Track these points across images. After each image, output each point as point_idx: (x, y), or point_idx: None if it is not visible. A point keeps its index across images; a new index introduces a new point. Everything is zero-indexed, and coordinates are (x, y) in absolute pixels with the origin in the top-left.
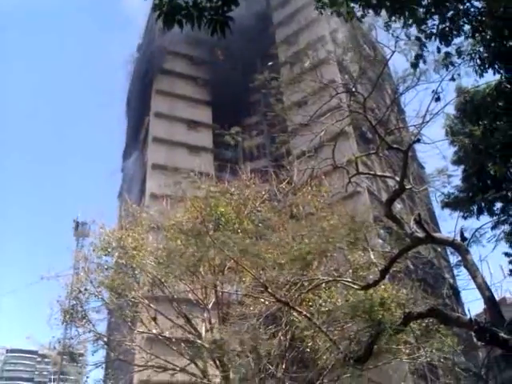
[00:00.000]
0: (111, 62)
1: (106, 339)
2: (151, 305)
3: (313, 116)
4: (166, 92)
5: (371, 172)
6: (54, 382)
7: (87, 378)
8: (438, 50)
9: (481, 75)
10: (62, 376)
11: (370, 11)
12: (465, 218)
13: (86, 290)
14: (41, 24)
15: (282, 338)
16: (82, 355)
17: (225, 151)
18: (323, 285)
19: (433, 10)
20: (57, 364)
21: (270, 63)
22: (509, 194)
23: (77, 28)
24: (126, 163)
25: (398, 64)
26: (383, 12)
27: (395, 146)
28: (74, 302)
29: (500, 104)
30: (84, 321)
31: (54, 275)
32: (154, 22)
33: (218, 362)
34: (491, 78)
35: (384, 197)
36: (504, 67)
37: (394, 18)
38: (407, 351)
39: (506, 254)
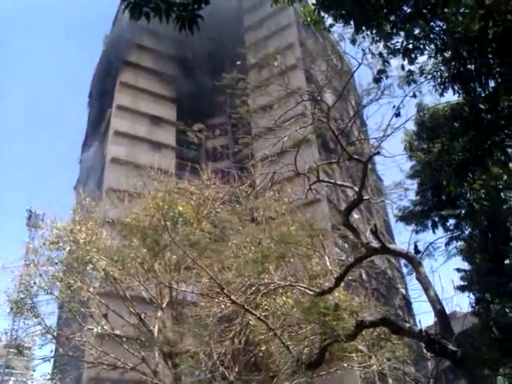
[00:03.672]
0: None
1: (55, 333)
2: (103, 301)
3: (277, 121)
4: (130, 85)
5: (331, 181)
6: None
7: (34, 371)
8: (402, 68)
9: (441, 94)
10: (7, 370)
11: (340, 22)
12: (417, 232)
13: (35, 283)
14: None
15: (235, 340)
16: (30, 349)
17: (187, 150)
18: (279, 290)
19: (399, 26)
20: (2, 357)
21: (238, 62)
22: (463, 211)
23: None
24: (85, 155)
25: (364, 76)
26: (352, 24)
27: (356, 156)
28: (23, 295)
29: (456, 125)
30: (32, 313)
31: (1, 266)
32: (122, 14)
33: (169, 363)
34: (452, 97)
35: (343, 206)
36: (462, 88)
37: (361, 31)
38: (359, 359)
39: (458, 270)
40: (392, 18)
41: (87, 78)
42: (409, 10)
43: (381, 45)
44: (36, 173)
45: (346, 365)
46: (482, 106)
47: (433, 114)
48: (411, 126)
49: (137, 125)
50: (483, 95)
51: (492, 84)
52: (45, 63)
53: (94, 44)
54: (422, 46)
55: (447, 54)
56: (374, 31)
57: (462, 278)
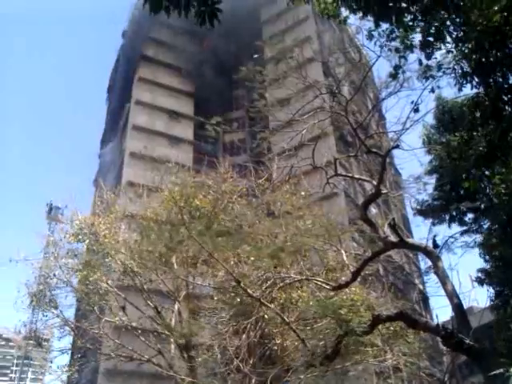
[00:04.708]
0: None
1: (73, 325)
2: (121, 294)
3: (295, 114)
4: (148, 80)
5: (349, 174)
6: (17, 366)
7: (51, 362)
8: (420, 63)
9: (460, 89)
10: (26, 361)
11: (358, 15)
12: (434, 224)
13: (54, 275)
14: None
15: (251, 333)
16: (48, 340)
17: (205, 144)
18: (295, 283)
19: (420, 18)
20: (21, 348)
21: (255, 55)
22: (481, 205)
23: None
24: (104, 150)
25: (382, 69)
26: (370, 17)
27: (374, 150)
28: (42, 287)
29: (476, 115)
30: (51, 305)
31: (22, 258)
32: (141, 8)
33: (185, 355)
34: (470, 91)
35: (360, 200)
36: (483, 81)
37: (379, 24)
38: (374, 353)
39: (480, 255)
40: (412, 9)
41: (105, 72)
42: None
43: (397, 41)
44: (56, 167)
45: (360, 358)
46: (504, 97)
47: (452, 106)
48: (430, 120)
49: (155, 119)
50: (505, 86)
51: None
52: (64, 58)
53: (112, 39)
54: (441, 38)
55: (467, 47)
56: (393, 24)
57: (480, 271)
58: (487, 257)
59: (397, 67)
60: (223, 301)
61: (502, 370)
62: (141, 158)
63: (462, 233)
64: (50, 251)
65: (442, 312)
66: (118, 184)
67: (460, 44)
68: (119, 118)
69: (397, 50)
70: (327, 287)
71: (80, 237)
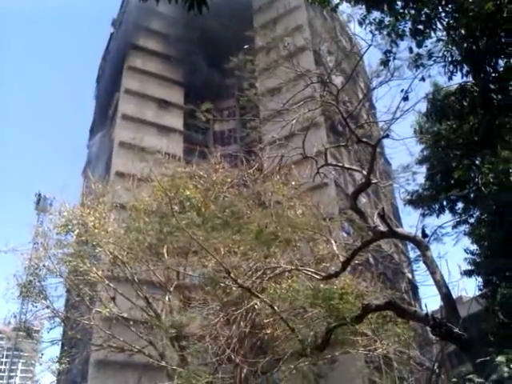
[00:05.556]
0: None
1: (63, 316)
2: (111, 284)
3: (285, 104)
4: (138, 69)
5: (339, 164)
6: (7, 358)
7: (42, 355)
8: (410, 51)
9: (450, 78)
10: (16, 352)
11: (349, 2)
12: (424, 215)
13: (44, 266)
14: None
15: (242, 323)
16: (38, 332)
17: (195, 134)
18: (285, 273)
19: (411, 6)
20: (11, 340)
21: (246, 46)
22: (471, 195)
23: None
24: (93, 140)
25: (373, 58)
26: (362, 5)
27: (365, 139)
28: (32, 277)
29: (464, 104)
30: (41, 296)
31: (11, 249)
32: None
33: (176, 346)
34: (461, 80)
35: (350, 190)
36: (473, 69)
37: (371, 11)
38: (364, 342)
39: (466, 251)
40: None
41: (95, 62)
42: None
43: (388, 29)
44: (44, 159)
45: (351, 349)
46: (492, 86)
47: (444, 95)
48: (423, 109)
49: (144, 109)
50: (493, 75)
51: (502, 64)
52: (61, 52)
53: (101, 28)
54: (433, 26)
55: (458, 34)
56: (385, 11)
57: (468, 262)
58: (475, 246)
59: (388, 52)
60: (214, 291)
61: (488, 358)
62: (130, 147)
63: (454, 226)
64: (39, 242)
65: (430, 301)
66: (107, 174)
67: (451, 32)
68: (108, 108)
69: (389, 34)
70: (317, 277)
71: (69, 227)
